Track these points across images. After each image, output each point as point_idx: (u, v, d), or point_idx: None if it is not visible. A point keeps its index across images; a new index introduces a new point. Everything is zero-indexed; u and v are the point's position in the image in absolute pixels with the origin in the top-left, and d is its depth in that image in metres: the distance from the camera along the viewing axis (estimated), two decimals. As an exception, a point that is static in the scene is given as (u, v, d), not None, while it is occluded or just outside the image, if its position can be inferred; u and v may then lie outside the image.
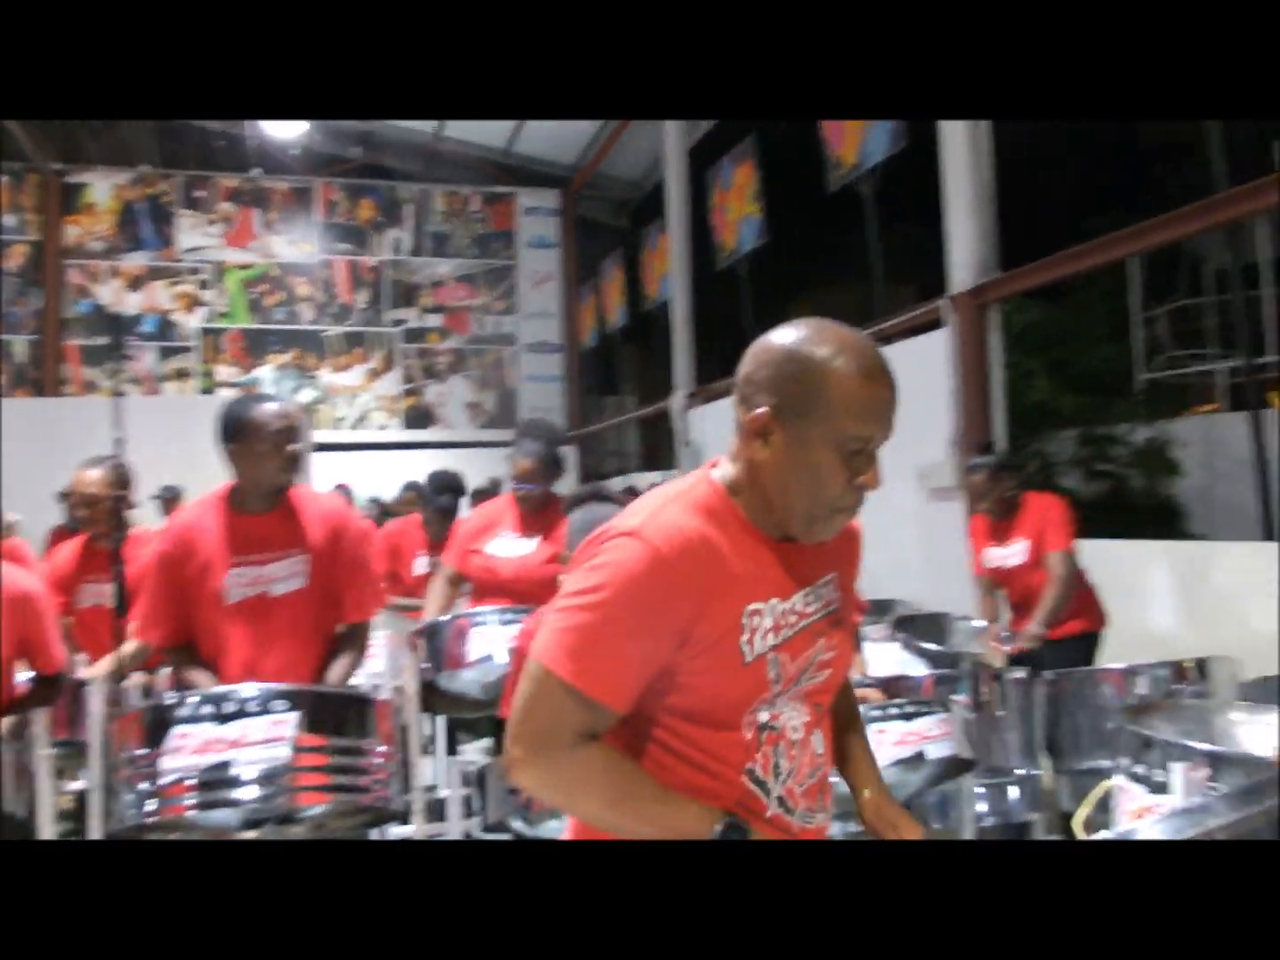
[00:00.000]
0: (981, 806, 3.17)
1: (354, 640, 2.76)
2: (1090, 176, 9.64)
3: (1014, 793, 3.18)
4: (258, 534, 2.61)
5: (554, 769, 1.25)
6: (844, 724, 1.52)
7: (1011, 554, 4.05)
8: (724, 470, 1.35)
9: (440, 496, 5.18)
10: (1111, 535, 6.61)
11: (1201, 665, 3.26)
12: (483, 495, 8.01)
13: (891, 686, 3.06)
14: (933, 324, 6.10)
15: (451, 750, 4.11)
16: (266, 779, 2.07)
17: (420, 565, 5.02)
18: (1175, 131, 9.56)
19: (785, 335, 1.29)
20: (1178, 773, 2.16)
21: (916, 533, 6.20)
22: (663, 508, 1.30)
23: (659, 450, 11.30)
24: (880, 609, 4.94)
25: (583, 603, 1.25)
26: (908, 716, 2.40)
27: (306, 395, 12.27)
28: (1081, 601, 3.95)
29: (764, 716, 1.31)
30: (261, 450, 2.54)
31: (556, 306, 13.45)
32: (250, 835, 2.28)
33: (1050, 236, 5.79)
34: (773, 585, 1.31)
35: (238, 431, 2.56)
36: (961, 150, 5.87)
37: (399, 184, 12.97)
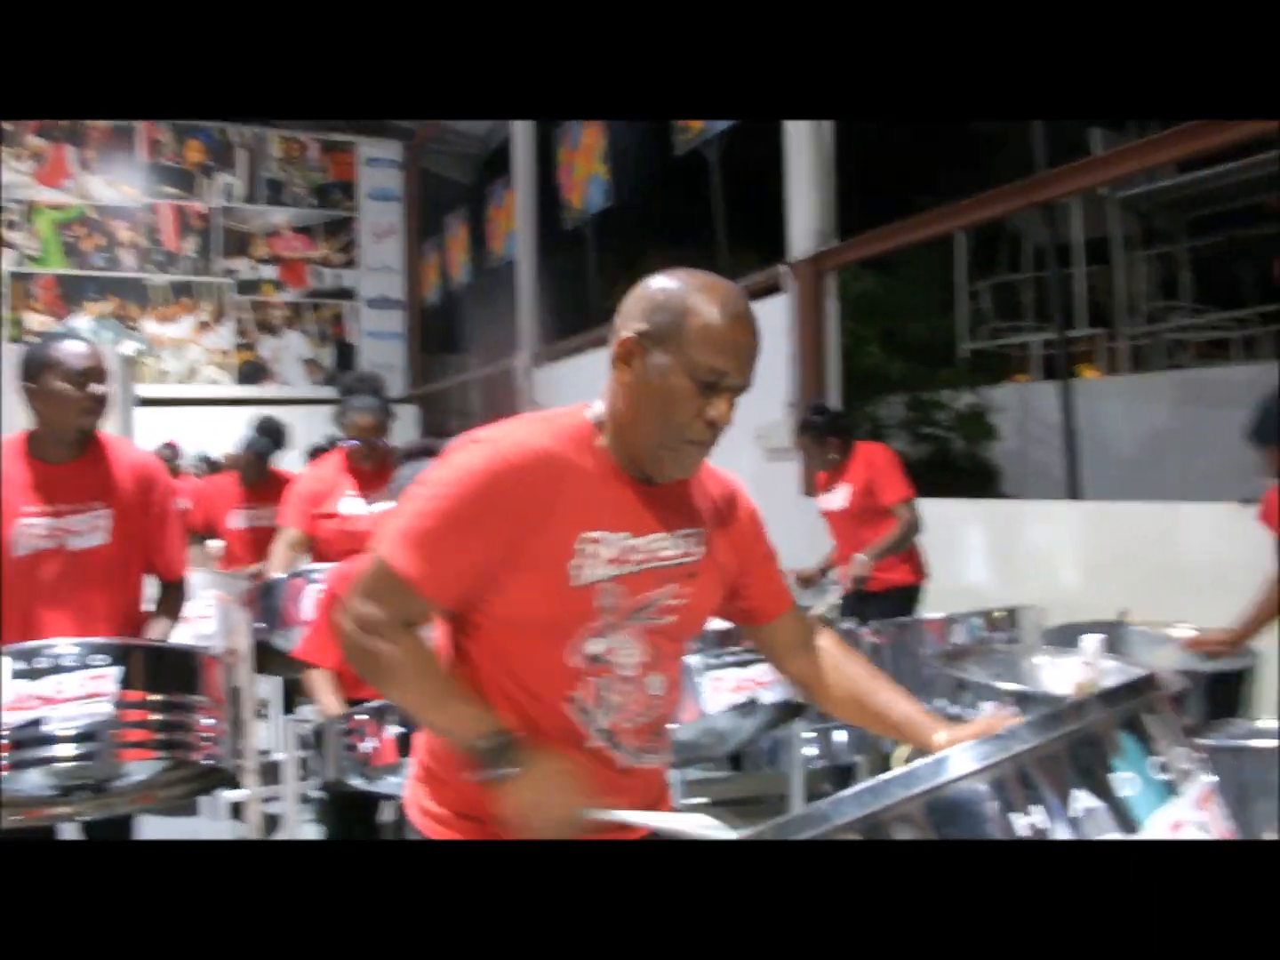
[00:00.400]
0: (811, 750, 3.33)
1: (169, 601, 2.61)
2: (923, 154, 10.01)
3: (840, 736, 3.34)
4: (56, 483, 2.41)
5: (370, 650, 1.31)
6: (873, 687, 1.49)
7: (835, 497, 4.23)
8: (595, 408, 1.39)
9: (259, 439, 4.97)
10: (935, 494, 6.96)
11: (1011, 614, 3.48)
12: (321, 454, 7.78)
13: (727, 636, 3.17)
14: (774, 289, 6.24)
15: (288, 711, 4.02)
16: (85, 737, 1.97)
17: (236, 520, 4.87)
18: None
19: (663, 275, 1.35)
20: (987, 712, 2.33)
21: (754, 491, 6.33)
22: (520, 425, 1.36)
23: (503, 410, 11.17)
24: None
25: (422, 497, 1.32)
26: (743, 664, 2.49)
27: (129, 347, 11.62)
28: (906, 555, 4.15)
29: (594, 647, 1.33)
30: (61, 390, 2.34)
31: (398, 261, 13.12)
32: (67, 808, 2.18)
33: (885, 209, 6.00)
34: (622, 519, 1.34)
35: (36, 370, 2.36)
36: (804, 122, 6.00)
37: (230, 126, 12.33)
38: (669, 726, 1.48)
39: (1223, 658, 2.89)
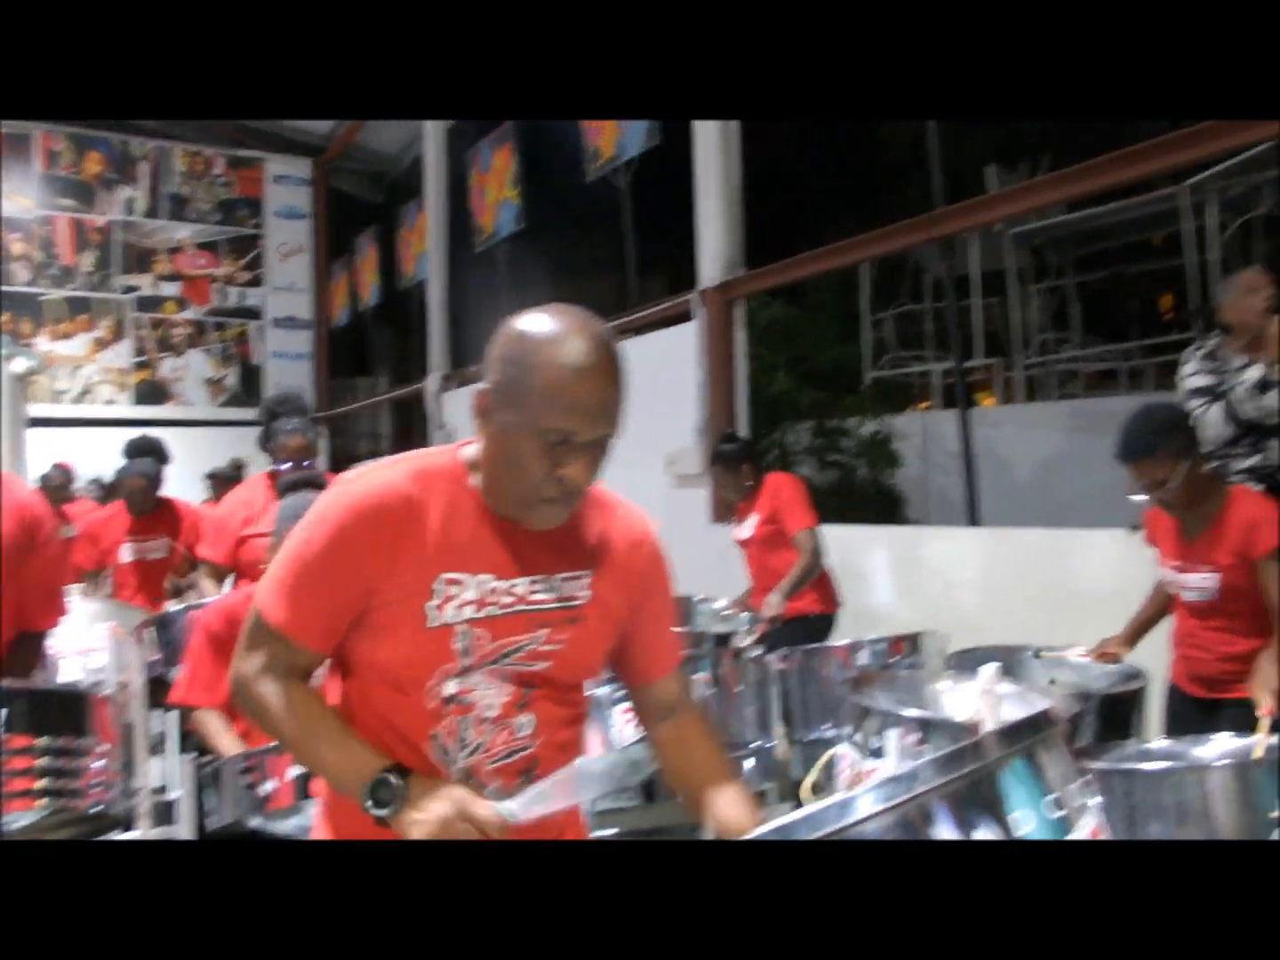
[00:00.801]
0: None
1: (22, 653, 2.41)
2: (830, 187, 10.28)
3: (749, 764, 3.36)
4: None
5: (253, 699, 1.32)
6: (704, 779, 1.44)
7: (745, 527, 4.29)
8: (472, 447, 1.37)
9: (141, 462, 4.75)
10: (840, 521, 7.09)
11: (914, 639, 3.56)
12: (224, 479, 7.58)
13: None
14: (684, 316, 6.31)
15: (184, 748, 3.89)
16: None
17: (124, 553, 4.66)
18: (904, 149, 10.33)
19: (524, 318, 1.30)
20: (892, 738, 2.37)
21: (663, 518, 6.38)
22: (385, 467, 1.35)
23: (412, 434, 11.09)
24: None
25: (290, 545, 1.33)
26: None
27: (20, 364, 11.17)
28: (818, 584, 4.21)
29: (451, 688, 1.31)
30: None
31: (306, 281, 12.89)
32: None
33: (792, 239, 6.12)
34: (487, 561, 1.31)
35: None
36: (713, 151, 6.10)
37: (132, 139, 12.00)
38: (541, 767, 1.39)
39: (1118, 661, 3.00)
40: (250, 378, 12.51)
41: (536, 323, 1.27)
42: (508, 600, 1.32)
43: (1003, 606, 4.41)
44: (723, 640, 4.38)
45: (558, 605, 1.35)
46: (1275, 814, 1.96)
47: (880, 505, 10.07)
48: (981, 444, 9.17)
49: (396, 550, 1.28)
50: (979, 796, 1.07)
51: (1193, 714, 2.78)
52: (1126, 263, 12.63)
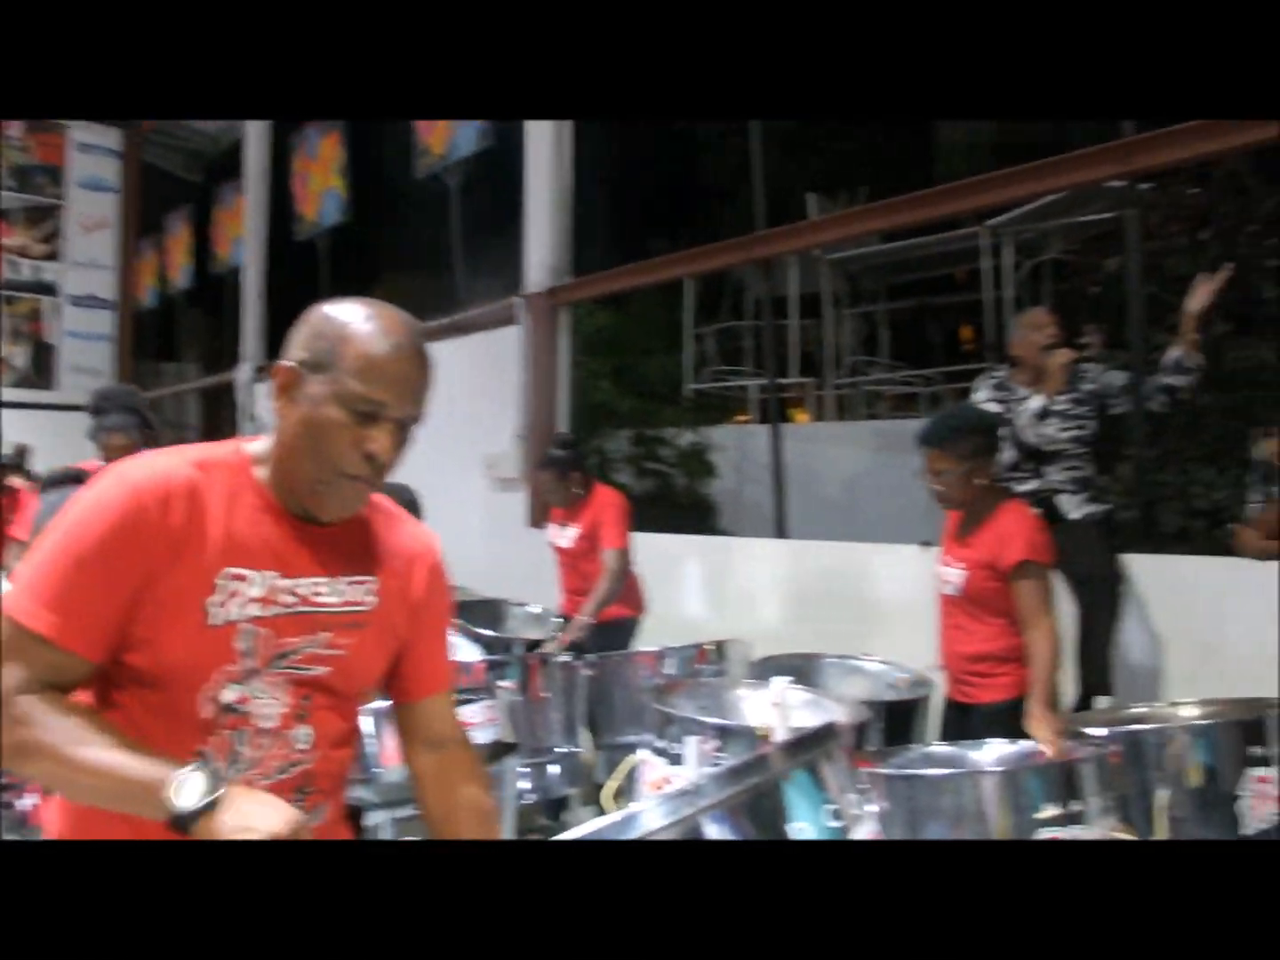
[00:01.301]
0: (524, 784, 3.35)
1: None
2: (659, 202, 10.47)
3: (553, 770, 3.38)
4: None
5: (18, 717, 1.14)
6: (459, 823, 1.39)
7: (565, 536, 4.29)
8: (259, 442, 1.32)
9: None
10: (656, 529, 7.21)
11: (720, 647, 3.66)
12: (9, 468, 7.03)
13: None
14: (509, 320, 6.29)
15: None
16: None
17: None
18: (730, 172, 10.65)
19: (332, 303, 1.30)
20: (691, 745, 2.44)
21: (481, 520, 6.37)
22: (164, 455, 1.28)
23: (221, 424, 10.61)
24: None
25: (54, 541, 1.21)
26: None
27: None
28: (626, 590, 4.27)
29: (229, 696, 1.23)
30: None
31: (111, 258, 12.12)
32: None
33: (620, 250, 6.21)
34: (272, 557, 1.26)
35: None
36: (544, 157, 6.11)
37: (-88, 92, 10.99)
38: (320, 781, 1.33)
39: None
40: (43, 358, 11.67)
41: (347, 305, 1.28)
42: (290, 599, 1.27)
43: (804, 617, 4.60)
44: (534, 645, 4.39)
45: (341, 609, 1.31)
46: (1040, 815, 2.12)
47: (695, 514, 10.30)
48: (792, 459, 9.52)
49: (179, 541, 1.20)
50: (762, 808, 1.12)
51: (954, 717, 2.96)
52: (932, 294, 13.39)
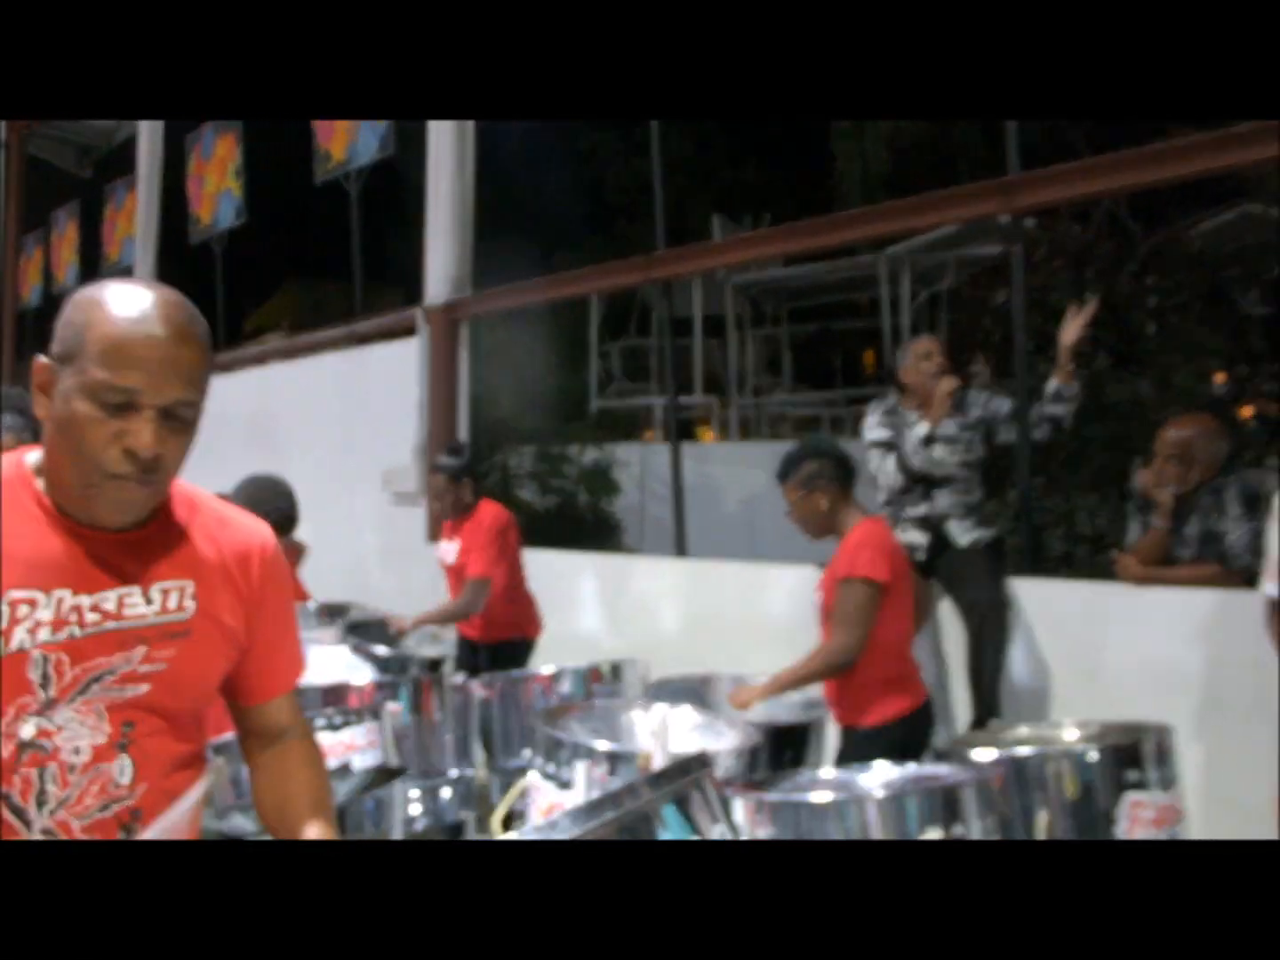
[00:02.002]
0: (416, 809, 3.27)
1: None
2: (565, 219, 10.48)
3: (446, 793, 3.31)
4: None
5: None
6: (295, 814, 1.30)
7: (449, 551, 4.22)
8: (36, 451, 1.22)
9: None
10: (558, 546, 7.16)
11: (616, 668, 3.64)
12: None
13: (330, 695, 3.05)
14: (410, 331, 6.20)
15: None
16: None
17: None
18: (636, 190, 10.73)
19: (88, 286, 1.20)
20: (580, 770, 2.40)
21: (378, 536, 6.24)
22: None
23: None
24: (333, 612, 4.90)
25: None
26: (335, 728, 2.39)
27: None
28: (520, 610, 4.21)
29: (28, 731, 1.13)
30: None
31: (-10, 254, 11.60)
32: None
33: (525, 264, 6.17)
34: (64, 576, 1.16)
35: None
36: (446, 168, 6.03)
37: None
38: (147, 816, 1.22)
39: (749, 708, 3.11)
40: (-89, 356, 11.09)
41: (100, 285, 1.18)
42: (93, 618, 1.16)
43: (704, 635, 4.61)
44: (433, 665, 4.30)
45: (157, 619, 1.20)
46: (924, 838, 2.14)
47: (598, 532, 10.28)
48: (695, 478, 9.58)
49: None
50: (629, 839, 1.10)
51: (840, 739, 3.02)
52: (833, 319, 13.69)
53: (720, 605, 4.62)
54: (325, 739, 2.32)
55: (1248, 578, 3.30)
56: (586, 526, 10.20)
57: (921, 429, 3.69)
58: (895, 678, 2.97)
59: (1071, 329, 3.61)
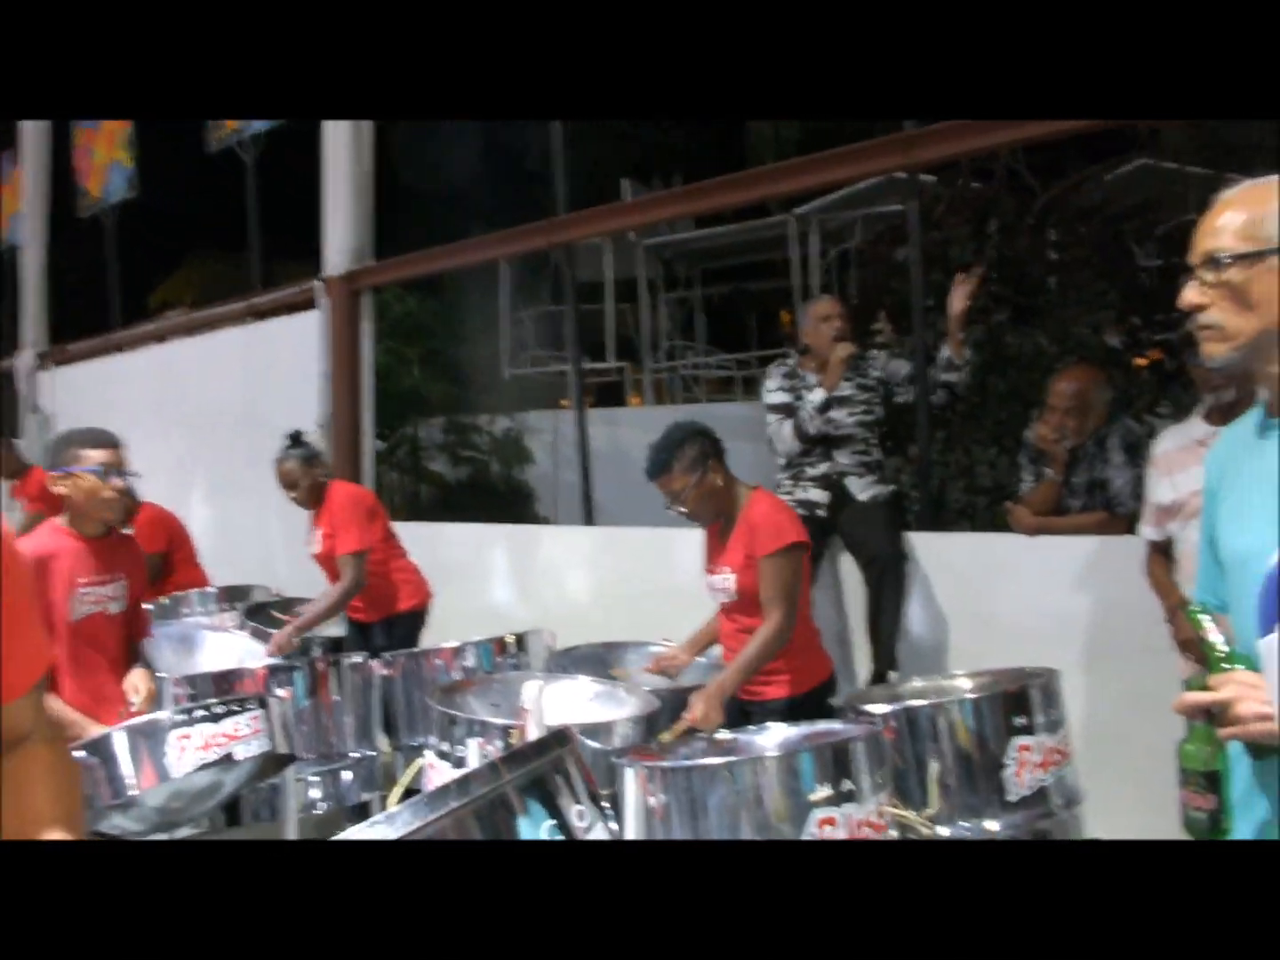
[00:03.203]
0: (316, 793, 3.21)
1: None
2: (470, 184, 10.28)
3: (347, 776, 3.26)
4: None
5: None
6: (24, 827, 1.16)
7: (314, 542, 4.03)
8: None
9: None
10: (472, 517, 7.10)
11: (521, 639, 3.60)
12: None
13: (221, 682, 2.97)
14: (310, 304, 6.03)
15: None
16: None
17: None
18: (543, 155, 10.61)
19: None
20: (473, 747, 2.38)
21: (281, 515, 6.09)
22: None
23: (1, 416, 9.85)
24: (234, 596, 4.79)
25: None
26: (215, 718, 2.31)
27: None
28: (403, 582, 4.10)
29: None
30: None
31: None
32: None
33: (428, 232, 6.03)
34: None
35: None
36: (343, 135, 5.86)
37: None
38: None
39: (676, 674, 3.12)
40: None
41: None
42: None
43: (613, 602, 4.59)
44: (337, 645, 4.21)
45: None
46: (814, 796, 2.15)
47: (511, 501, 10.20)
48: (607, 444, 9.55)
49: None
50: (490, 821, 1.07)
51: (736, 714, 2.88)
52: (746, 279, 13.69)
53: (629, 572, 4.61)
54: (205, 729, 2.26)
55: (1131, 524, 3.39)
56: (499, 497, 10.11)
57: (816, 395, 3.68)
58: (812, 645, 2.95)
59: (958, 298, 3.63)
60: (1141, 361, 5.62)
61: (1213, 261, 1.35)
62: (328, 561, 3.97)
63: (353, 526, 3.87)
